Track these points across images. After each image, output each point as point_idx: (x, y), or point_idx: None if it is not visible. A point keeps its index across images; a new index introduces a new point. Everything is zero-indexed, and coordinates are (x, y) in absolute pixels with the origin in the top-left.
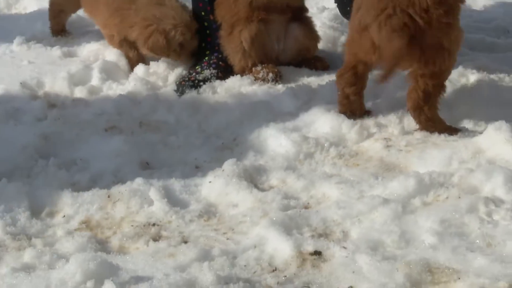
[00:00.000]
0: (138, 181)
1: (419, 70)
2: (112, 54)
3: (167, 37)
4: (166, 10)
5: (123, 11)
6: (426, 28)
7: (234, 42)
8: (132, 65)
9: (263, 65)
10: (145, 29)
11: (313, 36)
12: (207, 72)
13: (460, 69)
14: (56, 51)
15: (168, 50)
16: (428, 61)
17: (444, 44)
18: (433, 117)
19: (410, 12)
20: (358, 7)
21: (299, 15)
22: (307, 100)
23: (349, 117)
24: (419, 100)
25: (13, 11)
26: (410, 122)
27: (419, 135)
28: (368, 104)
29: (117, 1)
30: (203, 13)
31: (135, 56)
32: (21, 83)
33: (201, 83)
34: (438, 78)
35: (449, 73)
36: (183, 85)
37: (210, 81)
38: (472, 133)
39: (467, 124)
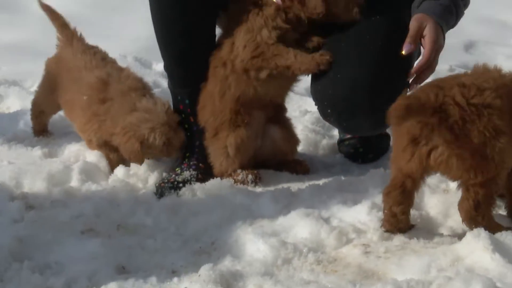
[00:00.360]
0: (113, 286)
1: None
2: (92, 155)
3: (145, 142)
4: (140, 114)
5: (100, 117)
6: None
7: (218, 145)
8: (112, 167)
9: (243, 168)
10: (123, 136)
11: (292, 139)
12: (186, 174)
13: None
14: (37, 152)
15: (144, 155)
16: (476, 171)
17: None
18: (489, 225)
19: None
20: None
21: (279, 116)
22: (287, 204)
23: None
24: (471, 210)
25: None
26: None
27: (398, 241)
28: (347, 208)
29: (92, 107)
30: (183, 115)
31: (115, 158)
32: None
33: (181, 185)
34: (486, 187)
35: (495, 182)
36: (162, 187)
37: (190, 183)
38: (450, 240)
39: (445, 230)
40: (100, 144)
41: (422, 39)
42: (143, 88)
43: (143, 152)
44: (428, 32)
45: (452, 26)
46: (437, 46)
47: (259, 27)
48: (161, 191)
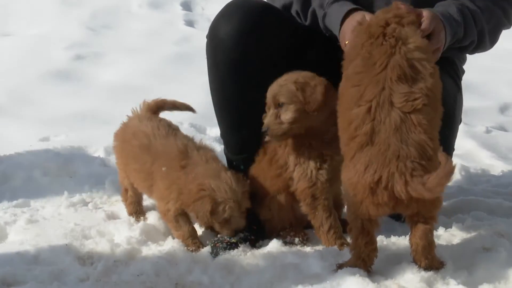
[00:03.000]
0: None
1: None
2: (151, 217)
3: (214, 207)
4: (220, 183)
5: (180, 184)
6: None
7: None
8: (183, 241)
9: (291, 228)
10: (197, 193)
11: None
12: (240, 235)
13: (479, 233)
14: (101, 214)
15: (210, 218)
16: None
17: None
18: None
19: None
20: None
21: None
22: (334, 262)
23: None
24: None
25: (63, 175)
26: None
27: None
28: (391, 267)
29: (172, 175)
30: None
31: (187, 232)
32: (66, 244)
33: (234, 245)
34: None
35: None
36: (217, 247)
37: (243, 243)
38: None
39: None
40: (177, 215)
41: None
42: (219, 159)
43: (214, 215)
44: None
45: (459, 36)
46: (436, 21)
47: None
48: (216, 251)
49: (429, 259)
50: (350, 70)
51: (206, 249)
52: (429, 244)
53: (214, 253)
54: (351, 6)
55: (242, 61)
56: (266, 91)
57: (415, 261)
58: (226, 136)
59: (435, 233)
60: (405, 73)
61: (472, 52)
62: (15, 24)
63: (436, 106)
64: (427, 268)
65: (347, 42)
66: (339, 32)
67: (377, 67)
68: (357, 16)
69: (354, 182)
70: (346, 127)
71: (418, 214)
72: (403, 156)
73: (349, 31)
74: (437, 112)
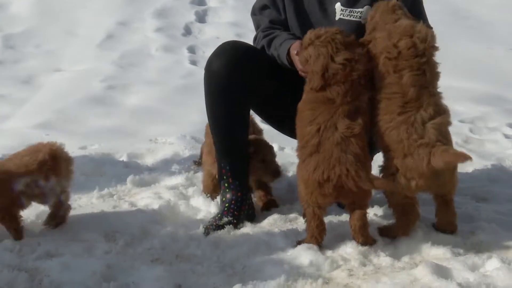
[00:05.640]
0: None
1: None
2: (159, 204)
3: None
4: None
5: None
6: None
7: None
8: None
9: None
10: None
11: None
12: (225, 219)
13: None
14: (123, 203)
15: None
16: None
17: None
18: None
19: None
20: None
21: None
22: (294, 239)
23: None
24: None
25: (96, 175)
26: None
27: (372, 267)
28: (336, 243)
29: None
30: (224, 177)
31: None
32: (96, 226)
33: (221, 227)
34: None
35: None
36: (208, 228)
37: (228, 226)
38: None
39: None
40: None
41: None
42: None
43: None
44: None
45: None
46: None
47: None
48: (207, 231)
49: (364, 236)
50: (309, 97)
51: (200, 230)
52: (364, 224)
53: (206, 233)
54: (293, 41)
55: (230, 88)
56: (248, 110)
57: (354, 238)
58: (217, 144)
59: (371, 215)
60: (350, 112)
61: None
62: (64, 63)
63: (367, 129)
64: (363, 244)
65: (299, 70)
66: (289, 63)
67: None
68: (294, 45)
69: (306, 178)
70: (301, 138)
71: (355, 203)
72: (343, 161)
73: (296, 61)
74: (367, 132)
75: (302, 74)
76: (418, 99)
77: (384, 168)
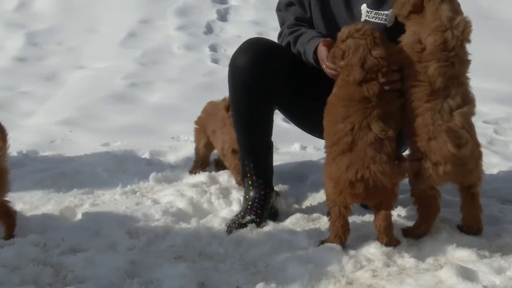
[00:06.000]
0: None
1: None
2: (182, 202)
3: None
4: None
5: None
6: None
7: None
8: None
9: None
10: None
11: None
12: (248, 218)
13: None
14: (146, 200)
15: None
16: None
17: None
18: None
19: None
20: None
21: None
22: (318, 239)
23: None
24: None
25: (118, 171)
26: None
27: (397, 268)
28: (360, 243)
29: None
30: (248, 175)
31: None
32: (119, 222)
33: (244, 226)
34: None
35: None
36: (231, 227)
37: (250, 224)
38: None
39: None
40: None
41: None
42: None
43: None
44: None
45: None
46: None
47: None
48: (230, 229)
49: (389, 236)
50: (344, 92)
51: (222, 228)
52: (389, 225)
53: (229, 231)
54: (320, 39)
55: (253, 83)
56: (271, 108)
57: (378, 239)
58: (241, 141)
59: (395, 216)
60: (383, 115)
61: None
62: (87, 60)
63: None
64: (387, 244)
65: (324, 66)
66: (314, 61)
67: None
68: (324, 43)
69: (336, 177)
70: (332, 135)
71: (381, 204)
72: (378, 161)
73: (324, 57)
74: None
75: (329, 71)
76: (446, 88)
77: (410, 155)
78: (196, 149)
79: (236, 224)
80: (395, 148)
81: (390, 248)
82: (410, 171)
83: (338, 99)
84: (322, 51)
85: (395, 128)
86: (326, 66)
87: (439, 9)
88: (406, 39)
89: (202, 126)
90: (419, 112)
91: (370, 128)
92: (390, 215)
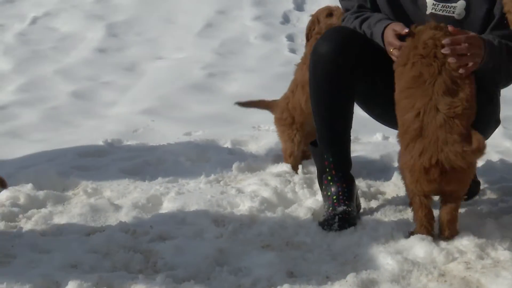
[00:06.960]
0: (286, 286)
1: None
2: (267, 192)
3: None
4: None
5: None
6: None
7: None
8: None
9: None
10: None
11: None
12: (339, 209)
13: None
14: (230, 189)
15: None
16: None
17: None
18: None
19: None
20: None
21: None
22: (407, 230)
23: None
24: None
25: (201, 160)
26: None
27: (491, 260)
28: None
29: None
30: (327, 170)
31: None
32: (205, 211)
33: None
34: None
35: None
36: (324, 224)
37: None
38: None
39: None
40: None
41: None
42: None
43: None
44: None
45: (494, 62)
46: (474, 38)
47: None
48: (329, 227)
49: (451, 229)
50: (403, 84)
51: (308, 218)
52: (453, 218)
53: (328, 229)
54: (389, 21)
55: (335, 71)
56: (352, 98)
57: (440, 230)
58: (320, 131)
59: (488, 209)
60: (448, 88)
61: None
62: (166, 50)
63: (471, 106)
64: (448, 237)
65: (392, 50)
66: (383, 43)
67: (427, 84)
68: (394, 26)
69: (411, 164)
70: (401, 126)
71: (451, 195)
72: (451, 142)
73: (392, 39)
74: (472, 110)
75: (393, 54)
76: None
77: None
78: None
79: (331, 216)
80: (468, 125)
81: (483, 240)
82: None
83: (400, 92)
84: (390, 34)
85: (469, 97)
86: (394, 46)
87: None
88: None
89: None
90: None
91: (437, 109)
92: (455, 209)
